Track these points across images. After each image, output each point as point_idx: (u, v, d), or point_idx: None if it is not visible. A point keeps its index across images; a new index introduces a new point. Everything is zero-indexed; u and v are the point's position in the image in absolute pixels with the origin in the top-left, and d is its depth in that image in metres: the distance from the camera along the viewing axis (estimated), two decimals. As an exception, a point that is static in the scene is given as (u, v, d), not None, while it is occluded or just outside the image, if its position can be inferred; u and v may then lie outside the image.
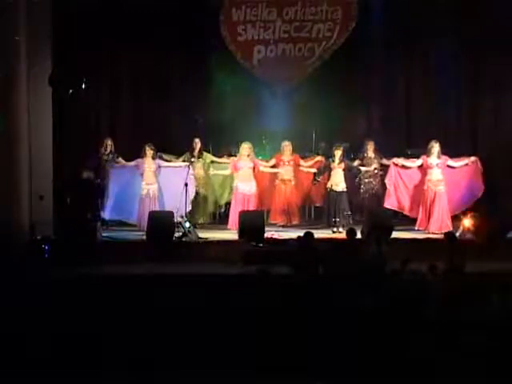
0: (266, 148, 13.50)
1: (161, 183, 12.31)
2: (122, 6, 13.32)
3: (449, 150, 12.14)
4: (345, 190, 12.07)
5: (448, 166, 11.99)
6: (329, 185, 12.06)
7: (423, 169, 12.02)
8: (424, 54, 14.09)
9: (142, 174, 12.22)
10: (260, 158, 12.83)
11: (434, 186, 11.85)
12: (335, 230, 11.83)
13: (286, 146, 12.46)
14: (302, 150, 13.15)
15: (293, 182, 12.52)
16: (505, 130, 13.57)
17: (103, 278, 9.62)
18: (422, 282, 7.65)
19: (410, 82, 14.31)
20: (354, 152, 13.08)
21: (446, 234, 9.87)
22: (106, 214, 12.21)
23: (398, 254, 8.85)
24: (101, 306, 7.99)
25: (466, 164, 12.08)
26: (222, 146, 13.57)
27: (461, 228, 11.54)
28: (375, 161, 12.45)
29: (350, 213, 12.06)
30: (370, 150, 12.45)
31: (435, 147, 11.83)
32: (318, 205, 12.97)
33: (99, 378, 7.00)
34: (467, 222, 11.57)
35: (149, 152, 12.21)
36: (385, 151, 12.58)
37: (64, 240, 10.91)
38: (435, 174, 11.86)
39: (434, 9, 13.53)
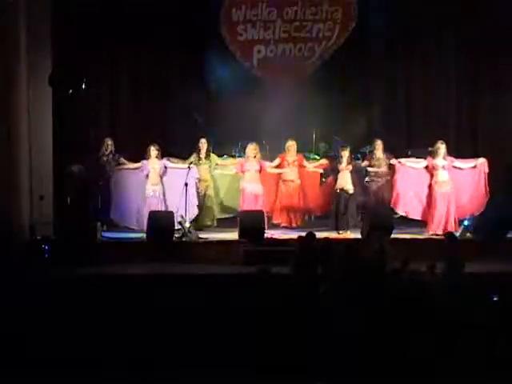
0: (266, 148, 13.47)
1: (165, 184, 12.12)
2: (122, 6, 13.34)
3: (449, 150, 12.09)
4: (353, 191, 11.98)
5: (454, 167, 11.76)
6: (337, 187, 11.88)
7: (429, 170, 11.77)
8: (424, 54, 14.10)
9: (146, 176, 12.03)
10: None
11: (439, 187, 11.63)
12: (342, 231, 11.71)
13: (291, 145, 12.26)
14: (302, 151, 13.10)
15: (297, 182, 12.36)
16: (505, 130, 13.59)
17: (103, 278, 9.60)
18: (422, 281, 7.65)
19: (410, 81, 14.32)
20: (355, 152, 13.06)
21: (446, 234, 9.86)
22: (108, 217, 12.17)
23: (398, 254, 8.86)
24: (101, 306, 7.99)
25: (474, 166, 11.83)
26: (222, 146, 13.56)
27: (461, 228, 11.54)
28: (384, 161, 12.12)
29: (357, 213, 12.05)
30: (379, 150, 12.12)
31: (441, 148, 11.63)
32: (318, 214, 12.82)
33: (99, 377, 7.01)
34: (467, 222, 11.57)
35: (153, 152, 11.99)
36: (385, 151, 12.54)
37: (64, 240, 10.91)
38: (441, 176, 11.63)
39: (434, 9, 13.55)
